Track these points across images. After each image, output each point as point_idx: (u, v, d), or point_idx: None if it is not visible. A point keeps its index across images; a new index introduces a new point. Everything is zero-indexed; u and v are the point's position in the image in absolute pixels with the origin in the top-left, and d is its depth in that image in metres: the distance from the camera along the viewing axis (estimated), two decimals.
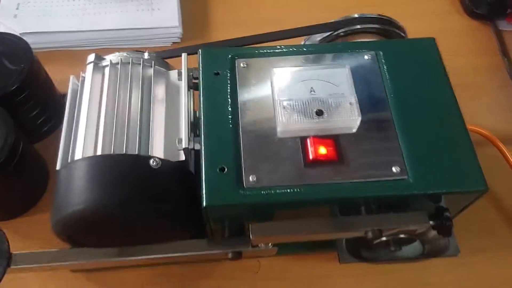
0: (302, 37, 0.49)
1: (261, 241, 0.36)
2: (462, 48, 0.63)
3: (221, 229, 0.38)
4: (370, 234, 0.35)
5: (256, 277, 0.45)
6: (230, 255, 0.37)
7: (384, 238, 0.37)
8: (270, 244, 0.37)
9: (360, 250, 0.41)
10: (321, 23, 0.46)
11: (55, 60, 0.59)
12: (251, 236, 0.34)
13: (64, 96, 0.55)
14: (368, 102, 0.38)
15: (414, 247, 0.42)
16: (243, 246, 0.37)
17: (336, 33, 0.47)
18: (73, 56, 0.60)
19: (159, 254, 0.37)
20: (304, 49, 0.42)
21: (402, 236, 0.37)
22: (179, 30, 0.62)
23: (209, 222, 0.36)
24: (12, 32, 0.50)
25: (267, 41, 0.46)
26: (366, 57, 0.41)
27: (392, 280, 0.44)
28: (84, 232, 0.36)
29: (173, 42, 0.63)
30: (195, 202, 0.35)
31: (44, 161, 0.50)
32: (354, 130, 0.37)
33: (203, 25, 0.66)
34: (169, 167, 0.36)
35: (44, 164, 0.49)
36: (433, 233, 0.39)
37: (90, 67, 0.41)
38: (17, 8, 0.61)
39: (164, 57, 0.44)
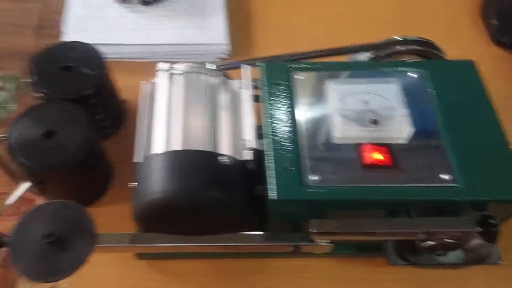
0: (347, 55, 0.53)
1: (319, 237, 0.39)
2: (489, 74, 0.67)
3: (279, 224, 0.42)
4: (422, 236, 0.38)
5: (304, 277, 0.48)
6: (291, 249, 0.41)
7: (431, 242, 0.40)
8: (327, 241, 0.40)
9: (406, 254, 0.44)
10: (366, 43, 0.51)
11: (114, 69, 0.64)
12: (312, 231, 0.38)
13: (124, 101, 0.60)
14: (417, 115, 0.42)
15: (457, 255, 0.45)
16: (302, 241, 0.40)
17: (380, 53, 0.51)
18: (129, 66, 0.65)
19: (225, 243, 0.41)
20: (355, 65, 0.46)
21: (448, 241, 0.40)
22: (226, 47, 0.67)
23: (271, 216, 0.39)
24: None
25: (317, 57, 0.50)
26: (412, 75, 0.45)
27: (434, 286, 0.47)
28: (161, 219, 0.40)
29: (220, 58, 0.68)
30: (257, 197, 0.39)
31: (109, 158, 0.54)
32: (405, 140, 0.41)
33: (247, 43, 0.70)
34: (237, 164, 0.40)
35: (109, 160, 0.54)
36: (476, 241, 0.42)
37: (162, 74, 0.46)
38: (81, 22, 0.67)
39: (224, 69, 0.49)
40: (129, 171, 0.55)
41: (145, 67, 0.66)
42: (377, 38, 0.53)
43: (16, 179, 0.70)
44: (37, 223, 0.38)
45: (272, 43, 0.70)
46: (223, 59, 0.68)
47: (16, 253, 0.37)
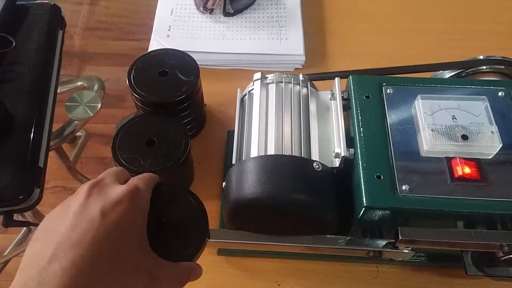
0: (432, 72, 0.55)
1: (406, 244, 0.41)
2: None
3: (362, 231, 0.44)
4: (506, 248, 0.39)
5: (374, 282, 0.50)
6: (371, 254, 0.43)
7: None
8: (409, 248, 0.42)
9: (483, 266, 0.45)
10: (452, 61, 0.52)
11: None
12: (400, 237, 0.40)
13: (205, 105, 0.64)
14: (505, 132, 0.43)
15: None
16: (385, 246, 0.42)
17: (464, 72, 0.52)
18: (212, 73, 0.69)
19: (311, 244, 0.43)
20: (445, 81, 0.47)
21: None
22: (303, 58, 0.70)
23: (359, 222, 0.42)
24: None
25: (403, 73, 0.52)
26: (499, 93, 0.46)
27: None
28: (252, 218, 0.43)
29: (296, 68, 0.71)
30: (342, 202, 0.41)
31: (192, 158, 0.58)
32: (493, 156, 0.42)
33: (321, 55, 0.73)
34: (326, 170, 0.43)
35: (192, 161, 0.58)
36: None
37: (258, 83, 0.49)
38: (169, 30, 0.72)
39: (314, 79, 0.52)
40: (209, 171, 0.60)
41: (222, 74, 0.70)
42: (452, 57, 0.55)
43: (75, 174, 0.75)
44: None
45: (345, 54, 0.73)
46: (298, 69, 0.71)
47: None
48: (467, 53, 0.56)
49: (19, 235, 1.14)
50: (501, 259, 0.42)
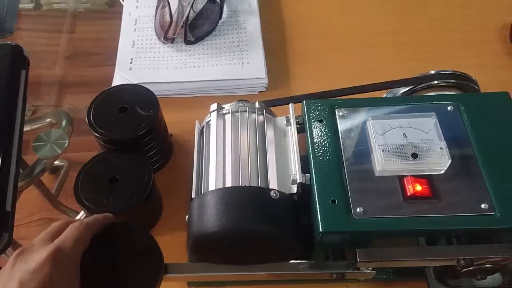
0: (384, 90, 0.56)
1: (365, 265, 0.42)
2: None
3: (325, 253, 0.44)
4: (462, 262, 0.40)
5: None
6: (334, 276, 0.43)
7: (471, 268, 0.42)
8: (370, 268, 0.43)
9: (446, 278, 0.46)
10: (403, 78, 0.54)
11: (162, 106, 0.69)
12: (358, 259, 0.40)
13: (171, 135, 0.65)
14: (454, 147, 0.44)
15: (495, 278, 0.46)
16: (347, 268, 0.43)
17: (417, 87, 0.54)
18: (177, 102, 0.70)
19: (275, 271, 0.44)
20: (394, 100, 0.49)
21: (487, 266, 0.42)
22: (265, 81, 0.71)
23: (318, 245, 0.42)
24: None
25: (355, 93, 0.53)
26: (448, 108, 0.48)
27: None
28: (214, 250, 0.43)
29: (260, 91, 0.72)
30: (302, 227, 0.42)
31: (159, 190, 0.58)
32: (443, 171, 0.43)
33: (284, 77, 0.74)
34: (284, 198, 0.43)
35: (160, 193, 0.58)
36: None
37: (214, 114, 0.50)
38: (131, 62, 0.72)
39: (269, 106, 0.53)
40: (178, 202, 0.60)
41: (188, 102, 0.71)
42: (413, 69, 0.56)
43: (57, 206, 0.75)
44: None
45: (307, 74, 0.74)
46: (262, 91, 0.72)
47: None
48: (427, 64, 0.57)
49: None
50: (461, 272, 0.43)
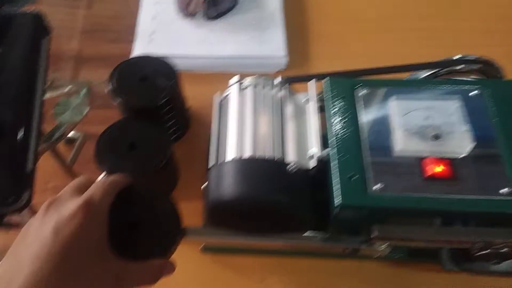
0: (406, 73, 0.56)
1: (380, 240, 0.42)
2: None
3: (340, 228, 0.45)
4: (479, 245, 0.40)
5: (356, 277, 0.51)
6: (348, 250, 0.43)
7: (487, 251, 0.42)
8: (385, 245, 0.43)
9: (460, 261, 0.46)
10: (427, 62, 0.53)
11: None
12: (375, 235, 0.40)
13: (189, 109, 0.65)
14: (477, 132, 0.44)
15: (509, 264, 0.46)
16: (362, 243, 0.43)
17: (440, 71, 0.53)
18: (196, 77, 0.70)
19: (289, 241, 0.44)
20: (418, 82, 0.48)
21: (503, 250, 0.42)
22: (284, 60, 0.71)
23: (334, 220, 0.42)
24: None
25: (379, 74, 0.53)
26: (472, 93, 0.47)
27: None
28: (230, 218, 0.44)
29: (278, 70, 0.72)
30: (319, 202, 0.43)
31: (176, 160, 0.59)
32: (465, 155, 0.43)
33: (303, 58, 0.74)
34: (301, 172, 0.44)
35: (176, 164, 0.58)
36: None
37: (234, 87, 0.50)
38: (151, 35, 0.72)
39: (290, 82, 0.52)
40: (194, 172, 0.60)
41: (206, 78, 0.71)
42: (434, 55, 0.56)
43: (72, 175, 0.76)
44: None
45: (328, 55, 0.74)
46: (281, 71, 0.72)
47: None
48: (450, 51, 0.56)
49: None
50: (475, 255, 0.43)
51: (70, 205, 0.34)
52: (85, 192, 0.36)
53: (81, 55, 0.84)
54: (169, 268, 0.38)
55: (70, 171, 1.00)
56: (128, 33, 0.75)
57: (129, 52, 0.72)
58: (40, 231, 0.33)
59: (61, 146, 0.96)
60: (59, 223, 0.33)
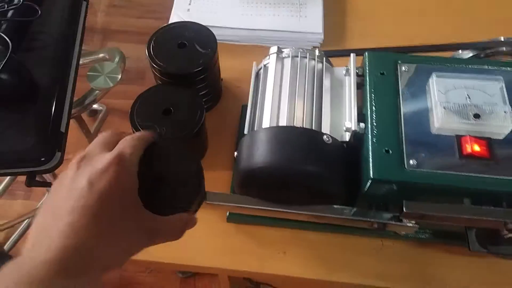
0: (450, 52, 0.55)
1: (410, 216, 0.42)
2: None
3: (370, 202, 0.45)
4: (510, 226, 0.40)
5: (378, 255, 0.51)
6: (375, 225, 0.44)
7: None
8: (413, 222, 0.43)
9: (487, 244, 0.46)
10: (471, 42, 0.52)
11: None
12: (404, 210, 0.40)
13: (222, 80, 0.65)
14: None
15: None
16: (390, 219, 0.43)
17: (483, 52, 0.52)
18: (230, 48, 0.70)
19: (317, 212, 0.44)
20: (461, 61, 0.47)
21: None
22: (321, 36, 0.70)
23: (366, 195, 0.42)
24: None
25: (421, 52, 0.52)
26: None
27: (505, 277, 0.49)
28: (261, 186, 0.44)
29: (314, 46, 0.71)
30: (350, 175, 0.42)
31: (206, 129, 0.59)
32: (504, 136, 0.42)
33: (340, 34, 0.73)
34: (336, 143, 0.44)
35: (206, 132, 0.59)
36: None
37: (273, 56, 0.50)
38: (189, 4, 0.73)
39: (330, 56, 0.52)
40: (222, 143, 0.61)
41: (241, 50, 0.71)
42: (473, 39, 0.54)
43: None
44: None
45: (363, 33, 0.72)
46: (316, 47, 0.71)
47: None
48: (487, 35, 0.55)
49: (41, 201, 1.19)
50: (505, 237, 0.42)
51: (103, 159, 0.34)
52: (116, 147, 0.36)
53: (109, 28, 0.85)
54: (193, 222, 0.39)
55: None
56: (156, 9, 0.75)
57: (155, 28, 0.72)
58: (74, 183, 0.33)
59: (84, 117, 0.98)
60: (94, 175, 0.33)
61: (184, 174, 0.41)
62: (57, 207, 0.33)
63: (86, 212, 0.31)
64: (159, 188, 0.39)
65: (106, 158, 0.34)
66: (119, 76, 0.77)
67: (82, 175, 0.33)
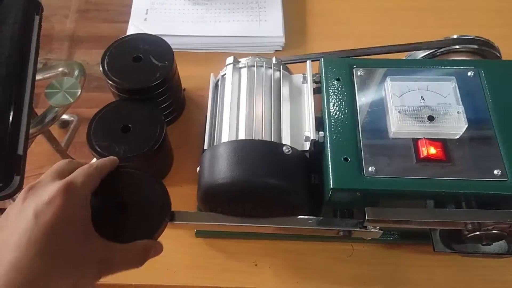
0: (404, 53, 0.55)
1: (373, 223, 0.42)
2: None
3: (333, 212, 0.45)
4: (470, 226, 0.40)
5: (349, 260, 0.52)
6: (341, 233, 0.44)
7: (478, 233, 0.42)
8: (377, 228, 0.43)
9: (451, 243, 0.47)
10: (424, 41, 0.52)
11: (176, 59, 0.68)
12: (366, 217, 0.40)
13: (184, 90, 0.64)
14: (472, 113, 0.44)
15: (499, 245, 0.47)
16: (354, 226, 0.43)
17: (438, 51, 0.53)
18: (191, 57, 0.69)
19: (282, 225, 0.44)
20: (414, 62, 0.48)
21: (494, 232, 0.42)
22: (282, 40, 0.70)
23: (328, 203, 0.42)
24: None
25: (375, 54, 0.52)
26: (469, 73, 0.47)
27: (472, 274, 0.50)
28: (224, 201, 0.44)
29: (276, 50, 0.71)
30: (312, 185, 0.42)
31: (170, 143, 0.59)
32: (459, 136, 0.43)
33: (301, 36, 0.73)
34: (297, 154, 0.43)
35: (171, 146, 0.58)
36: None
37: (230, 67, 0.49)
38: (146, 13, 0.71)
39: (286, 63, 0.52)
40: (188, 155, 0.60)
41: (202, 58, 0.70)
42: (433, 35, 0.55)
43: (67, 158, 0.75)
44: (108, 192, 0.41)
45: (324, 34, 0.73)
46: (278, 51, 0.71)
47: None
48: (449, 32, 0.56)
49: None
50: (467, 236, 0.43)
51: (51, 189, 0.33)
52: (66, 177, 0.35)
53: (76, 35, 0.82)
54: (157, 249, 0.38)
55: (64, 155, 1.00)
56: (123, 13, 0.73)
57: (125, 32, 0.71)
58: (20, 216, 0.32)
59: (55, 130, 0.95)
60: (39, 206, 0.32)
61: (147, 200, 0.40)
62: (3, 242, 0.32)
63: (32, 246, 0.30)
64: (121, 216, 0.38)
65: (53, 188, 0.33)
66: (79, 91, 0.75)
67: (29, 207, 0.32)
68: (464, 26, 0.71)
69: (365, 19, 0.74)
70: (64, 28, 0.87)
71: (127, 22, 0.72)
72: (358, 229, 0.43)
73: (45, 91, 0.73)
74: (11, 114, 0.61)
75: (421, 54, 0.54)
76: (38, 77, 0.71)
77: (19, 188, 0.59)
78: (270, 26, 0.70)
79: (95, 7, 0.84)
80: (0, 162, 0.56)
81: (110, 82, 0.53)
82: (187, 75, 0.63)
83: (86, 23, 0.83)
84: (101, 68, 0.54)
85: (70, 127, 1.27)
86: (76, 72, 0.80)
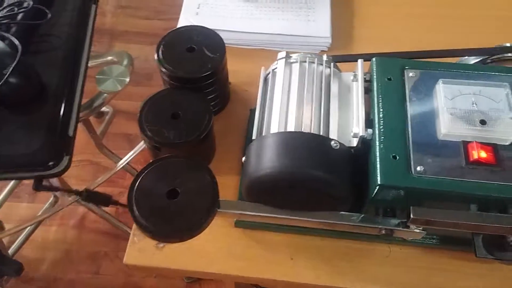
0: (456, 58, 0.55)
1: (417, 223, 0.42)
2: None
3: (378, 208, 0.45)
4: None
5: (385, 261, 0.52)
6: (383, 231, 0.44)
7: None
8: (420, 228, 0.43)
9: (493, 250, 0.46)
10: (477, 48, 0.52)
11: None
12: (412, 216, 0.41)
13: (230, 83, 0.66)
14: None
15: None
16: (397, 225, 0.43)
17: (489, 58, 0.52)
18: (239, 52, 0.71)
19: (324, 219, 0.45)
20: (467, 67, 0.48)
21: None
22: (329, 40, 0.71)
23: (372, 200, 0.43)
24: None
25: (428, 57, 0.52)
26: None
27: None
28: (269, 192, 0.45)
29: (322, 50, 0.72)
30: (357, 181, 0.43)
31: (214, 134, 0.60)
32: (510, 142, 0.42)
33: (347, 39, 0.73)
34: (344, 149, 0.44)
35: (214, 136, 0.59)
36: None
37: (281, 62, 0.50)
38: (198, 7, 0.73)
39: (337, 61, 0.52)
40: (230, 147, 0.61)
41: (249, 54, 0.71)
42: (481, 44, 0.54)
43: (101, 148, 0.77)
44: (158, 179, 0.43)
45: (371, 38, 0.73)
46: (324, 51, 0.72)
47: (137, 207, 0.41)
48: (496, 41, 0.55)
49: (46, 204, 1.20)
50: (511, 244, 0.42)
51: None
52: None
53: (116, 29, 0.85)
54: None
55: (99, 144, 1.03)
56: (164, 10, 0.75)
57: (163, 29, 0.72)
58: None
59: (91, 119, 0.98)
60: None
61: (198, 188, 0.42)
62: None
63: None
64: (172, 203, 0.39)
65: None
66: (128, 79, 0.77)
67: None
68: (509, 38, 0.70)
69: (411, 25, 0.74)
70: (105, 22, 0.90)
71: (165, 20, 0.74)
72: (401, 229, 0.44)
73: (96, 76, 0.76)
74: (65, 96, 0.64)
75: (472, 60, 0.54)
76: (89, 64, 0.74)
77: (67, 167, 0.62)
78: (318, 26, 0.71)
79: (134, 4, 0.87)
80: (53, 142, 0.59)
81: (164, 70, 0.55)
82: (234, 70, 0.65)
83: (125, 19, 0.85)
84: (155, 56, 0.56)
85: (105, 118, 1.32)
86: (125, 61, 0.83)
